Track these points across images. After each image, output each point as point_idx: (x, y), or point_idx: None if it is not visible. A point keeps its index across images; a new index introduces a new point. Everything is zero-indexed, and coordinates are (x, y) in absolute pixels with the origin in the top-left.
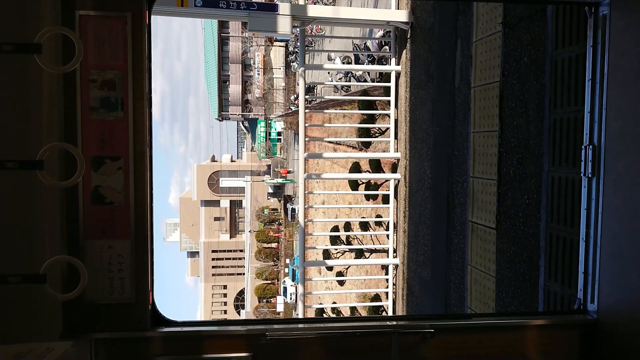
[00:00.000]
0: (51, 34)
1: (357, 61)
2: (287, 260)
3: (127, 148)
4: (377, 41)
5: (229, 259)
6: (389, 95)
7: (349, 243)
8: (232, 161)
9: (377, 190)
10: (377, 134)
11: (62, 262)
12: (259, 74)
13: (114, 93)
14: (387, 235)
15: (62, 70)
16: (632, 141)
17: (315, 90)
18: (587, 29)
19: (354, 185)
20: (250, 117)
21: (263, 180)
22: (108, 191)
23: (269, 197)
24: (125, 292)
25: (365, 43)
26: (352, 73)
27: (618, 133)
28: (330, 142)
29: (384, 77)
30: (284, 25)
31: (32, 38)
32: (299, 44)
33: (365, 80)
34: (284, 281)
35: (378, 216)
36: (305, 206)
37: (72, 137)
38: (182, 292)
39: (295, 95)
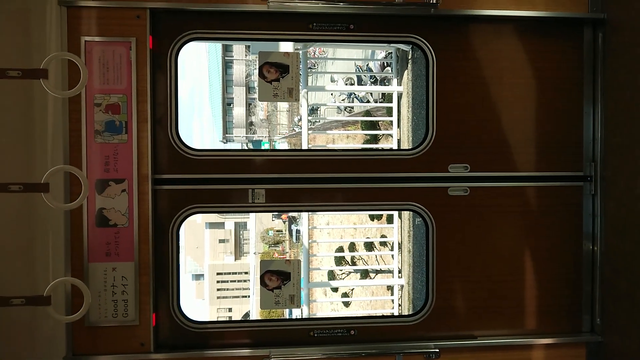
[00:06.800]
0: (57, 59)
1: (360, 82)
2: None
3: (131, 170)
4: (379, 62)
5: (234, 281)
6: (392, 116)
7: (353, 264)
8: None
9: None
10: None
11: (66, 284)
12: None
13: (118, 116)
14: (392, 256)
15: (68, 94)
16: (632, 156)
17: (318, 112)
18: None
19: None
20: (255, 139)
21: None
22: (112, 213)
23: (273, 219)
24: (129, 314)
25: (367, 64)
26: (354, 94)
27: (617, 148)
28: None
29: (387, 97)
30: (286, 47)
31: (38, 63)
32: (301, 66)
33: (367, 101)
34: None
35: (383, 236)
36: (310, 227)
37: (77, 160)
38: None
39: (298, 117)
